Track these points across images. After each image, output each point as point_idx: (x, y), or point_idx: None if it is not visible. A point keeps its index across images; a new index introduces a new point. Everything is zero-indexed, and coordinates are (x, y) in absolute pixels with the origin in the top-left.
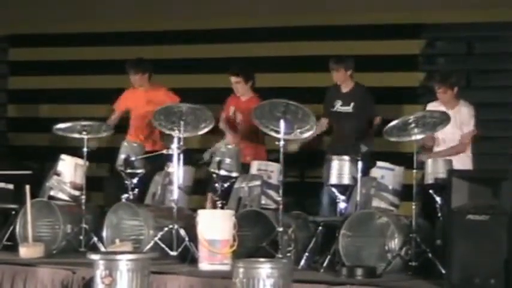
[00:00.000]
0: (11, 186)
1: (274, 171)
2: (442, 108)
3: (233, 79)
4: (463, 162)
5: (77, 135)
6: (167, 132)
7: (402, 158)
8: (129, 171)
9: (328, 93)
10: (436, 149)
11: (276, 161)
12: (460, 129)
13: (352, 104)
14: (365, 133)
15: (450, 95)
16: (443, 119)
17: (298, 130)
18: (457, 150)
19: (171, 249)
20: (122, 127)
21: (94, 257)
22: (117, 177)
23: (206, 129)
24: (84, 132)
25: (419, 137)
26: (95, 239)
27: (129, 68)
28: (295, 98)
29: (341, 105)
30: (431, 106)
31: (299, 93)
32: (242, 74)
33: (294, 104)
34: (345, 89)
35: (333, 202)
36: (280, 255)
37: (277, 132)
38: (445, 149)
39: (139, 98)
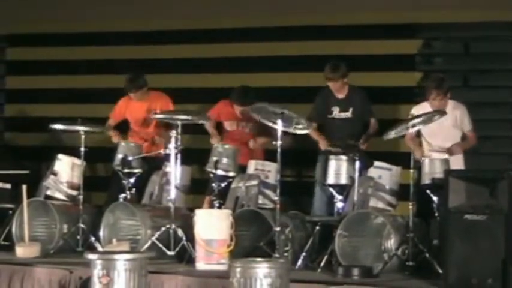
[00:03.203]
0: (8, 186)
1: (271, 170)
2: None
3: (239, 108)
4: (457, 162)
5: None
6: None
7: (399, 158)
8: (126, 170)
9: (322, 99)
10: (431, 152)
11: (273, 160)
12: (460, 130)
13: (350, 110)
14: (362, 134)
15: (446, 100)
16: (440, 114)
17: (296, 125)
18: (471, 145)
19: (169, 249)
20: (119, 128)
21: (91, 256)
22: (119, 177)
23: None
24: (82, 131)
25: (416, 128)
26: (92, 238)
27: (130, 88)
28: (292, 98)
29: (339, 112)
30: (420, 108)
31: (296, 93)
32: (247, 103)
33: (288, 113)
34: (341, 94)
35: (329, 201)
36: (277, 255)
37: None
38: (464, 142)
39: (138, 107)
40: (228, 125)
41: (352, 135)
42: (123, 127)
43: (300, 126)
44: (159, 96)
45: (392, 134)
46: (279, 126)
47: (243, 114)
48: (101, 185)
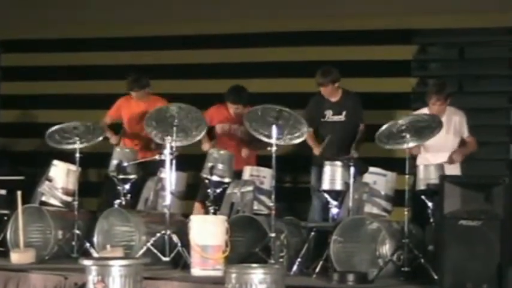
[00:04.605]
0: (3, 192)
1: (266, 176)
2: None
3: (233, 107)
4: (453, 168)
5: (70, 146)
6: (158, 141)
7: (394, 164)
8: (121, 176)
9: (315, 103)
10: (427, 155)
11: (268, 166)
12: (459, 136)
13: (344, 113)
14: (355, 139)
15: (445, 106)
16: (436, 123)
17: (288, 136)
18: (471, 151)
19: (164, 255)
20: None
21: (86, 262)
22: (113, 183)
23: (198, 137)
24: (77, 138)
25: (411, 144)
26: (87, 244)
27: (132, 86)
28: (288, 103)
29: (332, 115)
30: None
31: (293, 98)
32: (241, 102)
33: (287, 110)
34: (334, 98)
35: (325, 207)
36: (272, 261)
37: (268, 136)
38: (464, 148)
39: (135, 107)
40: (220, 128)
41: (346, 139)
42: (119, 132)
43: (294, 136)
44: (158, 100)
45: (388, 145)
46: (273, 133)
47: (236, 115)
48: (92, 190)
